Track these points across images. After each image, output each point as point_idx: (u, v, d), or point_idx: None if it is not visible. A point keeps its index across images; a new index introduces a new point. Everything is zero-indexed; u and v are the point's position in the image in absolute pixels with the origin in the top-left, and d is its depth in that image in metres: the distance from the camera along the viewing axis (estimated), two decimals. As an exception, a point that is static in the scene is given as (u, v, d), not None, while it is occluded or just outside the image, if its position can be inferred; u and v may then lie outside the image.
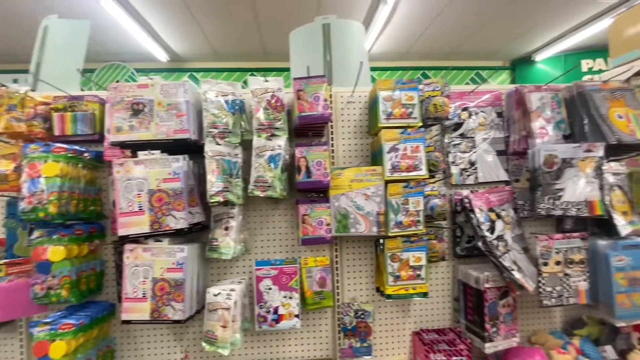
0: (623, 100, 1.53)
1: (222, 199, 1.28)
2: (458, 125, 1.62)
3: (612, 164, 1.55)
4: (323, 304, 1.47)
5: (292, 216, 1.55)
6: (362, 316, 1.50)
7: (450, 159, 1.60)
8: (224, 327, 1.28)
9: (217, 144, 1.32)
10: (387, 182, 1.40)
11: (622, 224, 1.47)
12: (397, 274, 1.41)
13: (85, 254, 1.36)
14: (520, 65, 5.69)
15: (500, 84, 5.59)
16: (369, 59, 5.51)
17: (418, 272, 1.42)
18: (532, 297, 1.47)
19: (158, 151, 1.28)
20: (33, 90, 1.59)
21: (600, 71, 4.94)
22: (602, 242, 1.46)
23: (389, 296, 1.41)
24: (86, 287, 1.36)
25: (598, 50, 5.02)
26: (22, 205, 1.23)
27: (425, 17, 4.26)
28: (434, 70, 5.68)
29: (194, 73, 5.51)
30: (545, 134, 1.50)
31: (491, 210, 1.45)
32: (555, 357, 1.44)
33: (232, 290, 1.32)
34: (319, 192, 1.47)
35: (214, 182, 1.27)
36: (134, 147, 1.32)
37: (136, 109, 1.27)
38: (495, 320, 1.41)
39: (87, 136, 1.44)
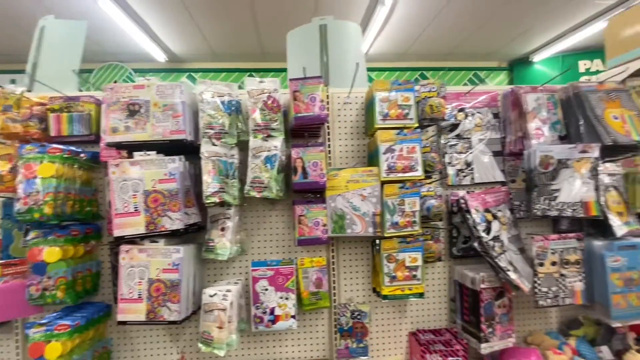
0: (619, 101, 1.53)
1: (218, 200, 1.28)
2: (454, 126, 1.62)
3: (608, 164, 1.56)
4: (319, 304, 1.47)
5: (289, 217, 1.55)
6: (359, 317, 1.50)
7: (447, 159, 1.60)
8: (220, 328, 1.28)
9: (213, 144, 1.32)
10: (383, 183, 1.40)
11: (618, 225, 1.47)
12: (393, 274, 1.41)
13: (81, 254, 1.36)
14: (518, 66, 5.70)
15: (498, 85, 5.62)
16: (367, 60, 5.52)
17: (414, 273, 1.42)
18: (528, 297, 1.47)
19: (154, 152, 1.28)
20: (29, 90, 1.59)
21: (597, 72, 4.96)
22: (597, 243, 1.46)
23: (385, 297, 1.42)
24: (82, 288, 1.36)
25: (595, 51, 5.04)
26: (18, 206, 1.23)
27: (423, 18, 4.27)
28: (432, 71, 5.69)
29: (192, 73, 5.51)
30: (541, 135, 1.51)
31: (487, 210, 1.45)
32: (551, 357, 1.45)
33: (228, 291, 1.32)
34: (316, 193, 1.48)
35: (209, 183, 1.27)
36: (130, 148, 1.32)
37: (132, 110, 1.27)
38: (491, 320, 1.41)
39: (84, 137, 1.44)
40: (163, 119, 1.27)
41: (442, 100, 1.42)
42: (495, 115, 1.65)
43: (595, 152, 1.39)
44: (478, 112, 1.64)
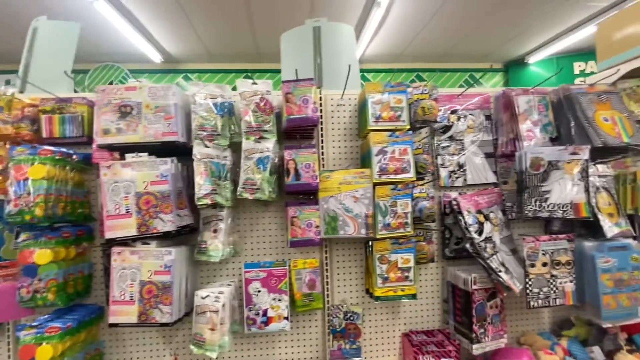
0: (609, 103, 1.55)
1: (210, 202, 1.28)
2: (447, 128, 1.63)
3: (599, 166, 1.57)
4: (312, 306, 1.47)
5: (282, 218, 1.55)
6: (352, 318, 1.51)
7: (439, 161, 1.61)
8: (212, 329, 1.28)
9: (206, 146, 1.32)
10: (375, 185, 1.40)
11: (608, 226, 1.49)
12: (386, 275, 1.42)
13: (73, 256, 1.35)
14: (513, 68, 5.73)
15: (493, 86, 5.65)
16: (364, 61, 5.52)
17: (406, 274, 1.42)
18: (521, 298, 1.48)
19: (146, 154, 1.28)
20: (21, 92, 1.58)
21: (592, 73, 4.97)
22: (588, 244, 1.47)
23: (377, 298, 1.42)
24: (74, 290, 1.36)
25: (590, 52, 5.07)
26: (9, 208, 1.22)
27: (418, 19, 4.29)
28: (427, 72, 5.71)
29: (188, 74, 5.50)
30: (532, 137, 1.52)
31: (479, 212, 1.46)
32: (543, 357, 1.46)
33: (221, 292, 1.32)
34: (308, 195, 1.48)
35: (202, 185, 1.27)
36: (122, 150, 1.31)
37: (124, 112, 1.27)
38: (483, 321, 1.42)
39: (76, 138, 1.44)
40: (155, 120, 1.27)
41: (434, 102, 1.43)
42: (488, 117, 1.66)
43: (585, 154, 1.40)
44: (470, 114, 1.65)
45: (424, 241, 1.55)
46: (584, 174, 1.40)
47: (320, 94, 1.58)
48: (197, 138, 1.31)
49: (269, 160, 1.35)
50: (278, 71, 1.85)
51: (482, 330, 1.41)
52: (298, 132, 1.48)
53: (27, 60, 1.64)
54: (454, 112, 1.64)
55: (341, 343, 1.50)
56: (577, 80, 5.02)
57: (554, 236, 1.46)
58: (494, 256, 1.40)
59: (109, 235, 1.23)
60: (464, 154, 1.62)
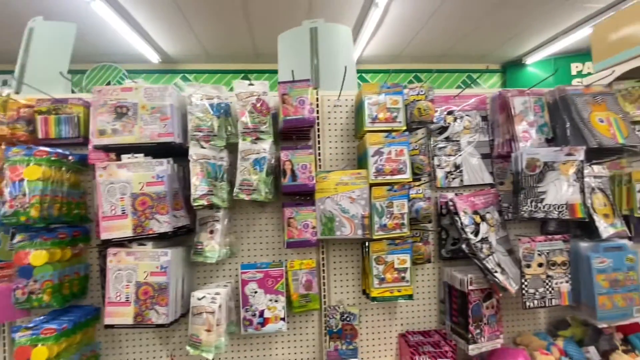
0: (604, 105, 1.55)
1: (206, 203, 1.28)
2: (443, 129, 1.64)
3: (595, 167, 1.58)
4: (309, 306, 1.47)
5: (279, 219, 1.55)
6: (348, 319, 1.51)
7: (436, 162, 1.61)
8: (208, 330, 1.28)
9: (202, 147, 1.32)
10: (371, 186, 1.40)
11: (604, 227, 1.49)
12: (382, 276, 1.42)
13: (69, 257, 1.35)
14: (511, 68, 5.75)
15: (491, 87, 5.66)
16: (362, 62, 5.52)
17: (403, 275, 1.42)
18: (517, 298, 1.48)
19: (141, 155, 1.27)
20: (17, 92, 1.58)
21: (589, 74, 4.98)
22: (583, 244, 1.48)
23: (374, 299, 1.42)
24: (69, 292, 1.35)
25: (587, 53, 5.09)
26: (4, 209, 1.22)
27: (416, 20, 4.30)
28: (425, 73, 5.72)
29: (186, 74, 5.49)
30: (528, 138, 1.52)
31: (476, 212, 1.46)
32: (539, 358, 1.46)
33: (217, 294, 1.32)
34: (305, 195, 1.48)
35: (198, 186, 1.27)
36: (118, 151, 1.31)
37: (120, 112, 1.27)
38: (479, 322, 1.42)
39: (72, 139, 1.43)
40: (151, 121, 1.27)
41: (430, 103, 1.44)
42: (484, 118, 1.66)
43: (581, 155, 1.40)
44: (467, 115, 1.65)
45: (421, 242, 1.55)
46: (580, 175, 1.41)
47: (317, 94, 1.58)
48: (193, 139, 1.31)
49: (266, 161, 1.35)
50: (276, 72, 1.86)
51: (478, 331, 1.41)
52: (294, 133, 1.49)
53: (23, 61, 1.64)
54: (450, 113, 1.64)
55: (338, 344, 1.51)
56: (575, 81, 5.03)
57: (550, 237, 1.46)
58: (490, 257, 1.41)
59: (104, 236, 1.23)
60: (460, 155, 1.63)
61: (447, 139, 1.63)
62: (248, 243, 1.55)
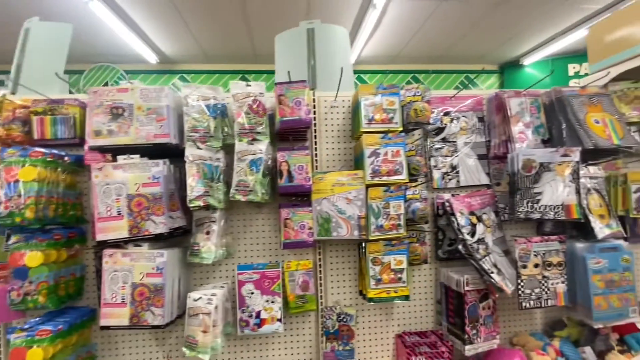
0: (600, 106, 1.56)
1: (202, 204, 1.28)
2: (440, 130, 1.64)
3: (590, 168, 1.58)
4: (306, 307, 1.47)
5: (276, 220, 1.55)
6: (345, 319, 1.51)
7: (432, 163, 1.62)
8: (204, 332, 1.28)
9: (198, 148, 1.32)
10: (368, 186, 1.41)
11: (599, 227, 1.50)
12: (379, 277, 1.42)
13: (64, 259, 1.35)
14: (508, 69, 5.76)
15: (489, 88, 5.68)
16: (360, 62, 5.51)
17: (399, 275, 1.43)
18: (514, 299, 1.49)
19: (137, 155, 1.27)
20: (13, 93, 1.57)
21: (586, 75, 5.00)
22: (579, 245, 1.48)
23: (370, 299, 1.42)
24: (65, 293, 1.35)
25: (584, 54, 5.08)
26: (-1, 210, 1.21)
27: (414, 21, 4.31)
28: (424, 74, 5.73)
29: (184, 75, 5.49)
30: (524, 139, 1.53)
31: (472, 213, 1.47)
32: (535, 358, 1.46)
33: (213, 295, 1.32)
34: (302, 196, 1.48)
35: (194, 187, 1.27)
36: (114, 152, 1.31)
37: (115, 113, 1.27)
38: (476, 322, 1.42)
39: (68, 140, 1.43)
40: (147, 122, 1.27)
41: (427, 104, 1.44)
42: (481, 119, 1.67)
43: (576, 156, 1.41)
44: (463, 116, 1.66)
45: (417, 242, 1.55)
46: (575, 176, 1.41)
47: (314, 95, 1.58)
48: (190, 140, 1.31)
49: (262, 162, 1.35)
50: (274, 72, 1.86)
51: (474, 332, 1.41)
52: (291, 134, 1.49)
53: (19, 61, 1.63)
54: (447, 114, 1.65)
55: (334, 345, 1.51)
56: (572, 82, 5.05)
57: (546, 237, 1.47)
58: (487, 257, 1.41)
59: (100, 237, 1.23)
60: (457, 156, 1.63)
61: (444, 139, 1.63)
62: (245, 244, 1.54)
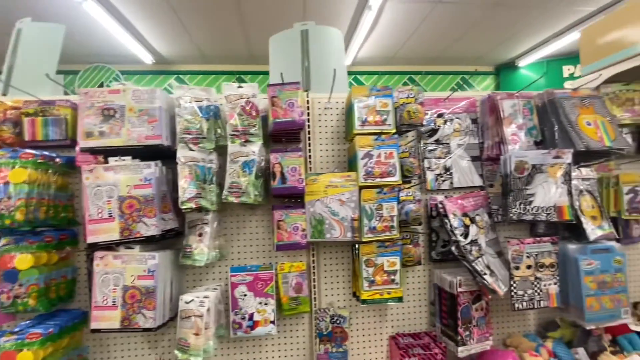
0: (592, 108, 1.57)
1: (194, 205, 1.27)
2: (433, 131, 1.64)
3: (583, 169, 1.59)
4: (299, 309, 1.47)
5: (269, 222, 1.55)
6: (338, 321, 1.50)
7: (426, 164, 1.62)
8: (196, 334, 1.27)
9: (191, 149, 1.32)
10: (361, 188, 1.40)
11: (591, 229, 1.50)
12: (372, 278, 1.42)
13: (55, 261, 1.34)
14: (504, 71, 5.79)
15: (485, 89, 5.70)
16: (356, 64, 5.51)
17: (392, 277, 1.43)
18: (507, 300, 1.49)
19: (129, 157, 1.27)
20: (4, 94, 1.56)
21: (580, 77, 5.05)
22: (571, 246, 1.49)
23: (364, 301, 1.42)
24: (56, 295, 1.34)
25: (579, 56, 5.14)
26: (-12, 212, 1.20)
27: (410, 22, 4.32)
28: (420, 75, 5.75)
29: (180, 75, 5.47)
30: (517, 140, 1.53)
31: (465, 215, 1.47)
32: (528, 359, 1.47)
33: (206, 297, 1.31)
34: (295, 198, 1.48)
35: (186, 188, 1.26)
36: (105, 153, 1.30)
37: (107, 115, 1.26)
38: (468, 323, 1.42)
39: (59, 141, 1.42)
40: (139, 124, 1.26)
41: (420, 106, 1.44)
42: (474, 121, 1.67)
43: (568, 158, 1.41)
44: (457, 118, 1.66)
45: (411, 244, 1.55)
46: (567, 178, 1.42)
47: (308, 97, 1.58)
48: (182, 141, 1.31)
49: (255, 163, 1.35)
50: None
51: (467, 333, 1.41)
52: (284, 136, 1.48)
53: (11, 62, 1.62)
54: (440, 115, 1.65)
55: (328, 347, 1.50)
56: (567, 84, 5.07)
57: (538, 239, 1.48)
58: (480, 259, 1.41)
59: (91, 239, 1.22)
60: (450, 157, 1.63)
61: (437, 141, 1.64)
62: (238, 246, 1.54)
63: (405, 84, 5.68)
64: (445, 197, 1.55)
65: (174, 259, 1.40)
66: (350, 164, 1.53)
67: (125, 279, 1.25)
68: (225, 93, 1.37)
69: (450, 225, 1.41)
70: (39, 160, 1.28)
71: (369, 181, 1.39)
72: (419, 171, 1.57)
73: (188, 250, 1.35)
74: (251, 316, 1.40)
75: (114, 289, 1.24)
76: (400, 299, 1.44)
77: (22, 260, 1.23)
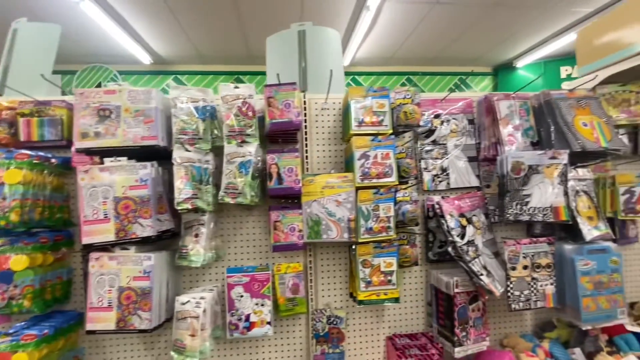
0: (588, 109, 1.57)
1: (190, 206, 1.27)
2: (430, 132, 1.64)
3: (579, 170, 1.60)
4: (296, 310, 1.47)
5: (266, 223, 1.55)
6: (335, 322, 1.50)
7: (423, 165, 1.62)
8: (192, 335, 1.27)
9: (187, 150, 1.31)
10: (357, 189, 1.40)
11: (587, 229, 1.51)
12: (369, 279, 1.42)
13: (51, 262, 1.33)
14: (502, 71, 5.80)
15: (483, 90, 5.71)
16: (354, 64, 5.51)
17: (389, 278, 1.42)
18: (503, 301, 1.49)
19: (125, 158, 1.26)
20: (0, 94, 1.56)
21: (578, 77, 5.07)
22: (568, 247, 1.49)
23: (360, 302, 1.42)
24: (51, 297, 1.33)
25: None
26: (-17, 213, 1.20)
27: (408, 23, 4.32)
28: (418, 76, 5.75)
29: (178, 76, 5.46)
30: (513, 141, 1.54)
31: (462, 215, 1.47)
32: (524, 360, 1.47)
33: (202, 298, 1.31)
34: (292, 199, 1.48)
35: (182, 189, 1.26)
36: (101, 154, 1.30)
37: (102, 115, 1.26)
38: (465, 324, 1.42)
39: (55, 142, 1.42)
40: (134, 124, 1.26)
41: (416, 107, 1.44)
42: (471, 122, 1.67)
43: (564, 159, 1.42)
44: (454, 119, 1.66)
45: (408, 244, 1.55)
46: (563, 178, 1.42)
47: (305, 97, 1.58)
48: (178, 142, 1.30)
49: (251, 164, 1.34)
50: (269, 74, 1.85)
51: (464, 334, 1.41)
52: (281, 136, 1.48)
53: (7, 63, 1.62)
54: (437, 116, 1.65)
55: (325, 347, 1.50)
56: (564, 84, 5.09)
57: (535, 239, 1.48)
58: (476, 259, 1.41)
59: (86, 240, 1.22)
60: (447, 158, 1.63)
61: (434, 142, 1.64)
62: (235, 247, 1.54)
63: (403, 84, 5.69)
64: (442, 197, 1.55)
65: (170, 260, 1.39)
66: (347, 165, 1.53)
67: (121, 280, 1.24)
68: (221, 94, 1.37)
69: (447, 226, 1.42)
70: (34, 161, 1.28)
71: (365, 182, 1.39)
72: (416, 172, 1.57)
73: (184, 251, 1.35)
74: (248, 317, 1.40)
75: (110, 290, 1.24)
76: (397, 300, 1.44)
77: (17, 261, 1.22)
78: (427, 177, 1.62)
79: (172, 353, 1.29)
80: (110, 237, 1.22)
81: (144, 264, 1.25)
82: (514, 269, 1.45)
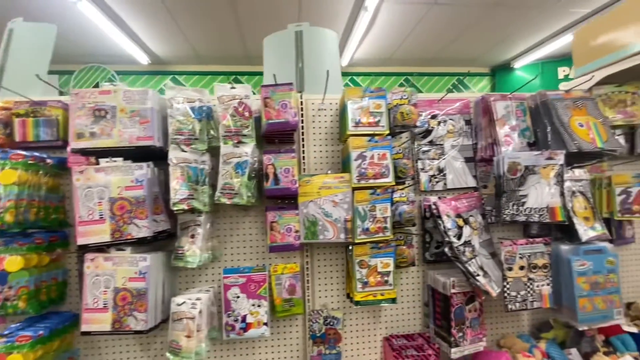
0: (585, 109, 1.57)
1: (186, 207, 1.27)
2: (427, 133, 1.64)
3: (576, 170, 1.60)
4: (293, 311, 1.46)
5: (262, 223, 1.54)
6: (332, 323, 1.50)
7: (420, 165, 1.62)
8: (188, 337, 1.27)
9: (183, 150, 1.31)
10: (354, 189, 1.40)
11: (584, 230, 1.51)
12: (366, 280, 1.42)
13: (46, 263, 1.32)
14: (500, 72, 5.82)
15: (481, 91, 5.72)
16: (352, 65, 5.51)
17: (386, 278, 1.42)
18: (500, 301, 1.49)
19: (120, 158, 1.26)
20: (-5, 94, 1.55)
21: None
22: (564, 247, 1.50)
23: (357, 302, 1.42)
24: (46, 298, 1.32)
25: (573, 58, 5.17)
26: (-23, 214, 1.19)
27: (405, 23, 4.33)
28: (416, 76, 5.76)
29: (176, 76, 5.45)
30: (510, 142, 1.54)
31: (459, 216, 1.47)
32: (521, 360, 1.47)
33: (198, 299, 1.31)
34: (289, 199, 1.47)
35: (177, 190, 1.26)
36: (97, 154, 1.29)
37: (98, 115, 1.25)
38: (462, 325, 1.42)
39: (51, 142, 1.41)
40: (130, 125, 1.26)
41: (413, 107, 1.44)
42: (468, 122, 1.67)
43: (561, 159, 1.42)
44: (450, 119, 1.66)
45: (405, 245, 1.55)
46: (560, 179, 1.42)
47: (302, 98, 1.58)
48: (174, 142, 1.30)
49: (248, 164, 1.34)
50: (266, 75, 1.85)
51: (460, 334, 1.41)
52: (277, 137, 1.48)
53: (2, 63, 1.61)
54: (434, 117, 1.65)
55: (321, 348, 1.50)
56: (561, 85, 5.11)
57: (531, 240, 1.48)
58: (473, 260, 1.41)
59: (81, 241, 1.21)
60: (444, 159, 1.64)
61: (431, 142, 1.64)
62: (231, 247, 1.53)
63: (401, 85, 5.70)
64: (439, 198, 1.55)
65: (166, 261, 1.39)
66: (344, 165, 1.53)
67: (117, 281, 1.24)
68: (217, 94, 1.37)
69: (444, 227, 1.42)
70: (29, 161, 1.27)
71: (362, 182, 1.39)
72: (413, 172, 1.57)
73: (180, 251, 1.34)
74: (244, 318, 1.39)
75: (105, 291, 1.23)
76: (393, 300, 1.43)
77: (12, 262, 1.22)
78: (424, 177, 1.62)
79: (168, 354, 1.28)
80: (106, 237, 1.21)
81: (140, 265, 1.24)
82: (510, 269, 1.45)
